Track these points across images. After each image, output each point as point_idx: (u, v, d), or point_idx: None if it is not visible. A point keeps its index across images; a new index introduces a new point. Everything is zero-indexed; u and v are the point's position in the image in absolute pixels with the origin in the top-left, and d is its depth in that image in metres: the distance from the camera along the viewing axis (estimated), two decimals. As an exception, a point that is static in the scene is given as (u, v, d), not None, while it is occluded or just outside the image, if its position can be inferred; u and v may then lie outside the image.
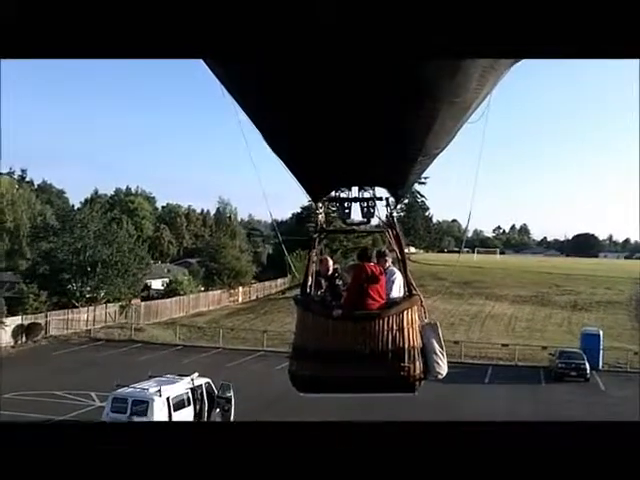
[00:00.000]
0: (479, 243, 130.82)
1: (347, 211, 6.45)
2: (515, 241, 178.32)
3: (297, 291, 6.88)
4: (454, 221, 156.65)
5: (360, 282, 6.34)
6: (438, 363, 6.26)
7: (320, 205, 6.62)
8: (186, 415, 20.83)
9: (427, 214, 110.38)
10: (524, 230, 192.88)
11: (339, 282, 6.97)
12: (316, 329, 6.20)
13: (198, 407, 21.42)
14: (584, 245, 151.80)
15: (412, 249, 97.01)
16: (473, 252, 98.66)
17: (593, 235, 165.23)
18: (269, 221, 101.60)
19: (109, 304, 49.94)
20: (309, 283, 6.57)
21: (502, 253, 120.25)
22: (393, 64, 4.42)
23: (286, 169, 6.04)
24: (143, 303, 53.19)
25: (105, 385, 23.61)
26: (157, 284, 64.09)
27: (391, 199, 6.38)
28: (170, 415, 20.04)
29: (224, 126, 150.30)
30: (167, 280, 62.85)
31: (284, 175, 6.10)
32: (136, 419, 19.55)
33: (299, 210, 79.74)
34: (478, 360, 38.74)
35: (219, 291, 63.52)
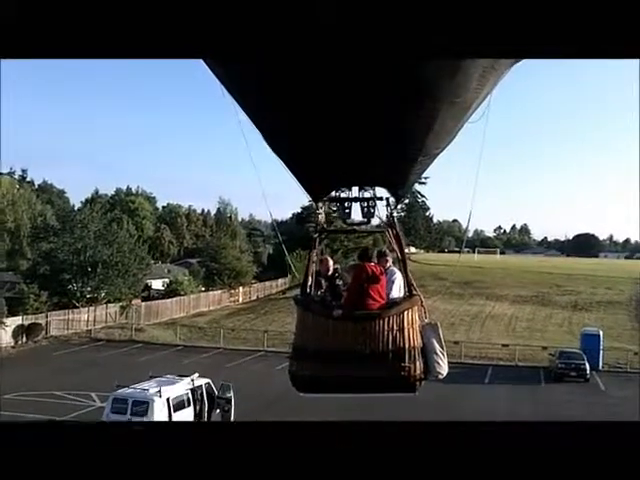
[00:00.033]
0: (480, 243, 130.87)
1: (347, 211, 6.45)
2: (516, 241, 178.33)
3: (297, 291, 6.88)
4: (455, 221, 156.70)
5: (360, 282, 6.33)
6: (439, 363, 6.26)
7: (320, 205, 6.62)
8: (186, 416, 20.83)
9: (428, 214, 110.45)
10: (525, 230, 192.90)
11: (339, 282, 6.97)
12: (316, 329, 6.20)
13: (198, 408, 21.42)
14: (584, 245, 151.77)
15: (412, 249, 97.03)
16: (474, 252, 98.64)
17: (593, 235, 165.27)
18: (269, 221, 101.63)
19: (110, 304, 49.95)
20: (309, 283, 6.56)
21: (502, 253, 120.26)
22: (393, 64, 4.42)
23: (286, 169, 6.04)
24: (144, 303, 53.19)
25: (105, 385, 23.60)
26: (158, 284, 64.09)
27: (391, 199, 6.38)
28: (170, 416, 20.03)
29: (224, 126, 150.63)
30: (167, 280, 62.85)
31: (284, 175, 6.11)
32: (136, 420, 19.54)
33: (299, 210, 79.80)
34: (478, 360, 38.75)
35: (219, 291, 63.53)
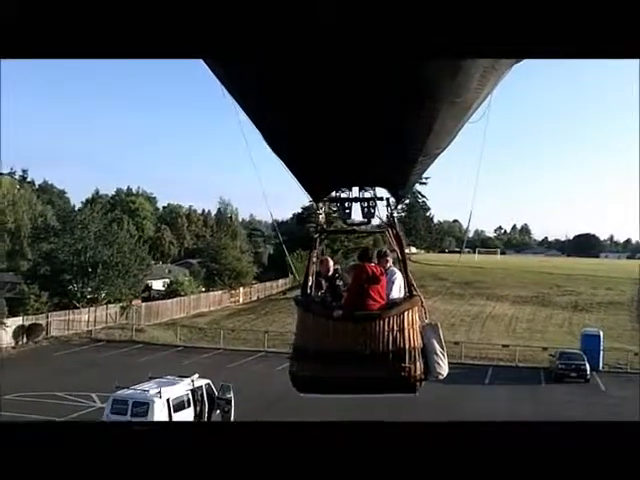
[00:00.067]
0: (480, 243, 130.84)
1: (348, 211, 6.45)
2: (516, 241, 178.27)
3: (298, 292, 6.88)
4: (455, 221, 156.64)
5: (361, 283, 6.33)
6: (439, 364, 6.26)
7: (321, 205, 6.62)
8: (186, 416, 20.82)
9: (428, 214, 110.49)
10: (525, 230, 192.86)
11: (339, 283, 6.97)
12: (317, 330, 6.20)
13: (198, 408, 21.41)
14: (585, 245, 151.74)
15: (413, 249, 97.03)
16: (474, 252, 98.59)
17: (594, 235, 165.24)
18: (270, 221, 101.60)
19: (110, 305, 49.96)
20: (309, 284, 6.56)
21: (503, 253, 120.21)
22: (393, 64, 4.42)
23: (286, 169, 6.04)
24: (144, 304, 53.19)
25: (106, 386, 23.60)
26: (158, 285, 64.10)
27: (392, 199, 6.38)
28: (170, 417, 20.02)
29: (224, 126, 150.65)
30: (168, 281, 62.85)
31: (284, 175, 6.11)
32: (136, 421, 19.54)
33: (300, 210, 79.81)
34: (478, 361, 38.75)
35: (220, 292, 63.52)
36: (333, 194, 6.44)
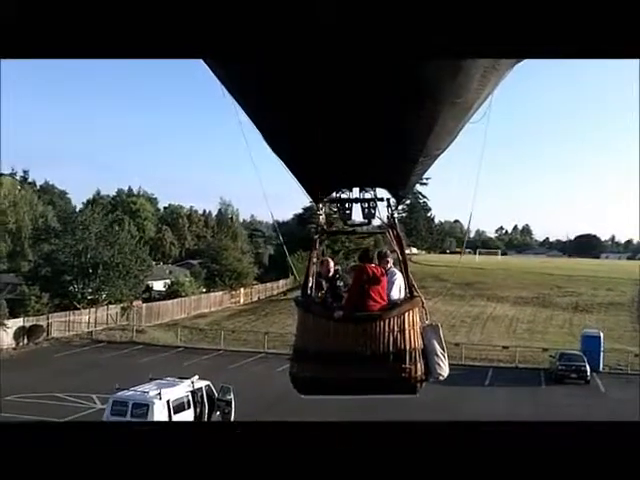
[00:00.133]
0: (481, 244, 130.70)
1: (348, 212, 6.45)
2: (517, 242, 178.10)
3: (298, 292, 6.87)
4: (456, 222, 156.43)
5: (361, 283, 6.33)
6: (439, 365, 6.26)
7: (321, 206, 6.62)
8: (186, 418, 20.79)
9: (429, 215, 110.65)
10: (526, 230, 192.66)
11: (340, 283, 6.96)
12: (317, 331, 6.19)
13: (198, 410, 21.39)
14: (586, 246, 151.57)
15: (414, 250, 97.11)
16: (475, 253, 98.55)
17: (595, 236, 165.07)
18: (271, 222, 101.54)
19: (111, 306, 49.95)
20: (310, 284, 6.56)
21: (504, 254, 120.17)
22: (394, 64, 4.42)
23: (286, 170, 6.04)
24: (145, 304, 53.18)
25: (106, 387, 23.60)
26: (159, 285, 64.09)
27: (392, 200, 6.38)
28: (170, 418, 19.99)
29: (224, 126, 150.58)
30: (169, 281, 62.86)
31: (285, 176, 6.11)
32: (137, 421, 19.54)
33: (300, 211, 79.80)
34: (479, 362, 38.73)
35: (221, 292, 63.51)
36: (333, 195, 6.44)
